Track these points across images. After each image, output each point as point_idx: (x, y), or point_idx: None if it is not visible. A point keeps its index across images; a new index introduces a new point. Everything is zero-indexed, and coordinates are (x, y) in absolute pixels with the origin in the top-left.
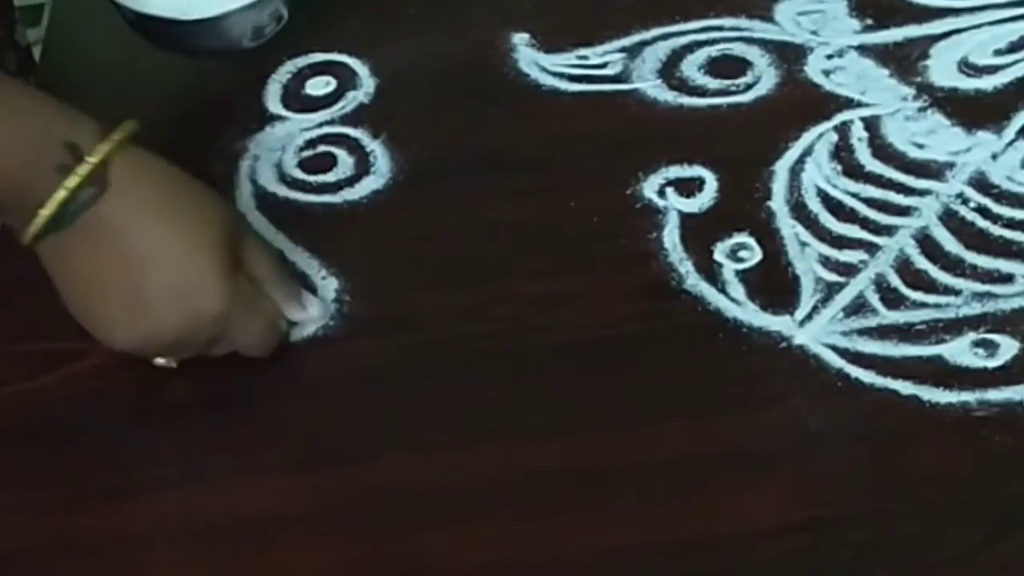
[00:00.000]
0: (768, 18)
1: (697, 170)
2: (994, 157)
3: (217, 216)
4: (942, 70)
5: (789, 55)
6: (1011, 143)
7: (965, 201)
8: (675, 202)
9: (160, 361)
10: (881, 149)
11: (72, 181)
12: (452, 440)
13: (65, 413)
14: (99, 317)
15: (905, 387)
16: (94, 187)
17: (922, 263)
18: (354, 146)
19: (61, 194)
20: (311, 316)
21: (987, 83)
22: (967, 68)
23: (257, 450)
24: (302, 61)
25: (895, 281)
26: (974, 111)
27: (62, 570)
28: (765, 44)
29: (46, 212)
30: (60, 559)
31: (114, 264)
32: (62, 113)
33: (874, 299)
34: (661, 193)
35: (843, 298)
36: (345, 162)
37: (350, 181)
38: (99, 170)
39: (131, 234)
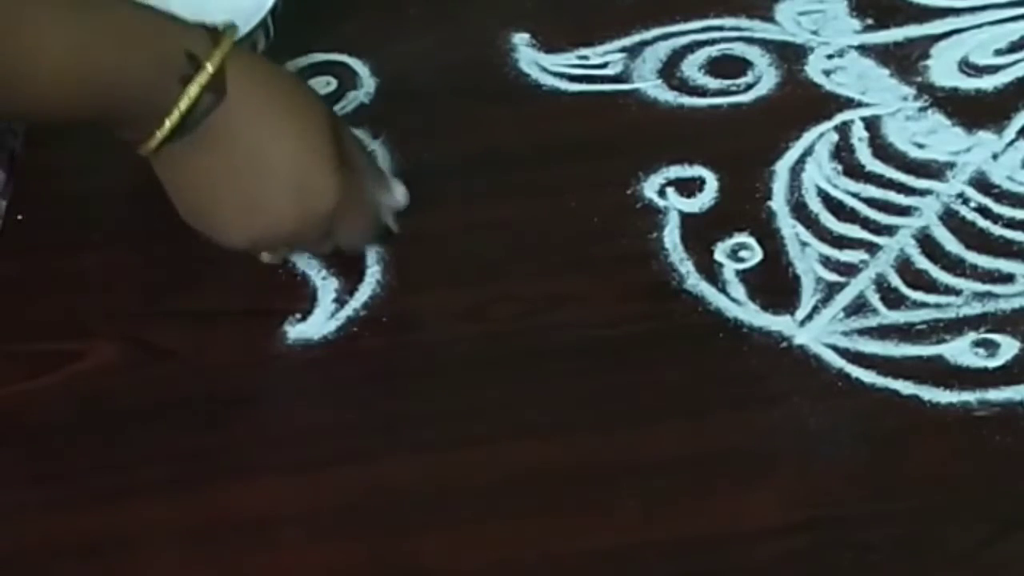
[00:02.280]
0: (768, 18)
1: (697, 170)
2: (994, 157)
3: (324, 114)
4: (943, 70)
5: (789, 55)
6: (1011, 143)
7: (966, 201)
8: (675, 202)
9: (266, 257)
10: (882, 149)
11: (194, 90)
12: (452, 440)
13: (65, 413)
14: (217, 218)
15: (906, 387)
16: (213, 93)
17: (923, 263)
18: None
19: (185, 102)
20: (398, 201)
21: (987, 83)
22: (968, 68)
23: (257, 450)
24: (303, 61)
25: (896, 281)
26: (974, 111)
27: (62, 570)
28: (765, 44)
29: (171, 121)
30: (60, 559)
31: (233, 166)
32: (175, 23)
33: (875, 299)
34: (661, 193)
35: (844, 298)
36: None
37: None
38: (217, 76)
39: (249, 137)
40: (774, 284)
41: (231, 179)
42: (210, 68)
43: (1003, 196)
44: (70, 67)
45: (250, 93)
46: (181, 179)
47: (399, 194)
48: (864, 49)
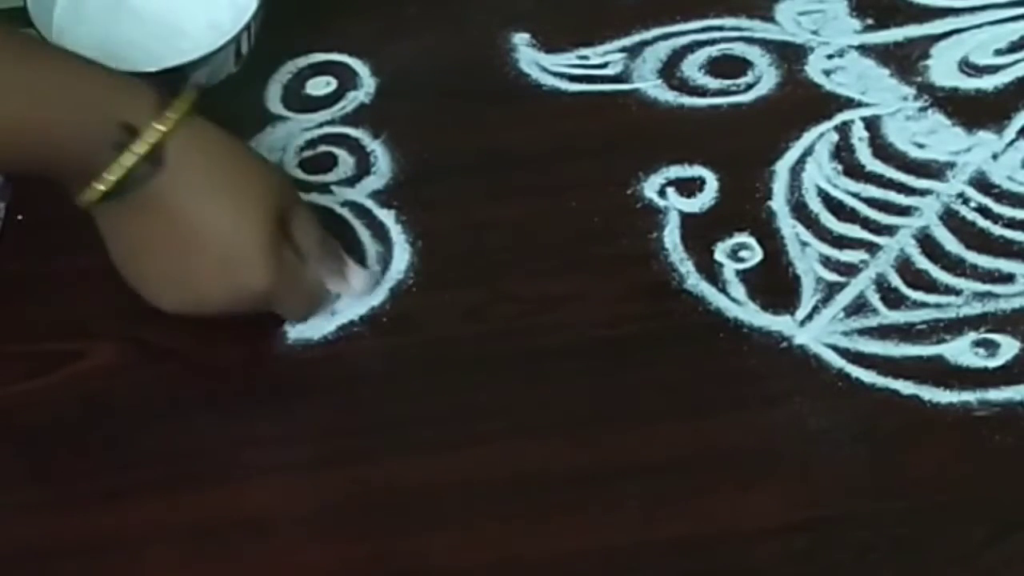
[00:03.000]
0: (769, 18)
1: (698, 170)
2: (995, 157)
3: (269, 189)
4: (943, 70)
5: (790, 55)
6: (1012, 143)
7: (966, 201)
8: (676, 202)
9: None
10: (882, 149)
11: (128, 159)
12: (452, 440)
13: (65, 413)
14: (148, 283)
15: (906, 387)
16: (150, 164)
17: (923, 263)
18: (355, 146)
19: (117, 172)
20: (354, 289)
21: (988, 83)
22: (968, 68)
23: (258, 450)
24: (302, 61)
25: (896, 281)
26: (975, 111)
27: (62, 570)
28: (766, 44)
29: (101, 187)
30: (60, 559)
31: (165, 237)
32: (119, 86)
33: (875, 299)
34: (662, 193)
35: (844, 298)
36: (346, 162)
37: (351, 181)
38: (155, 149)
39: (183, 209)
40: (774, 284)
41: (163, 247)
42: (148, 141)
43: (1003, 196)
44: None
45: (190, 166)
46: (114, 238)
47: (356, 284)
48: (864, 49)
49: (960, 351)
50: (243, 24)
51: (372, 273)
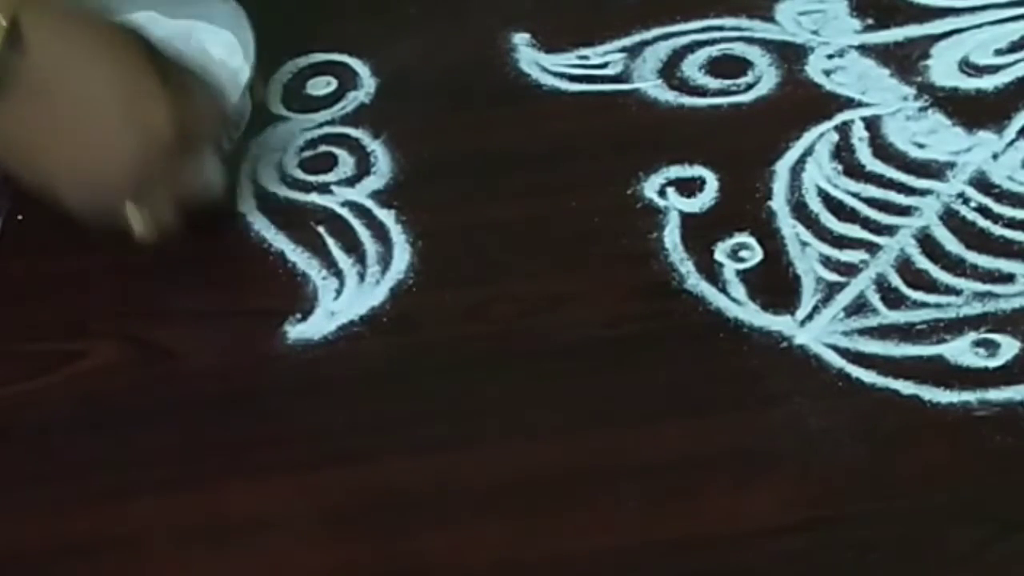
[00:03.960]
0: (769, 18)
1: (698, 170)
2: (995, 157)
3: (133, 38)
4: (943, 70)
5: (790, 55)
6: (1012, 143)
7: (966, 201)
8: (676, 202)
9: (136, 224)
10: (882, 149)
11: None
12: (452, 440)
13: (65, 413)
14: (61, 175)
15: (906, 387)
16: (10, 48)
17: (923, 263)
18: (355, 146)
19: None
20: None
21: (988, 83)
22: (968, 68)
23: (257, 450)
24: (303, 61)
25: (896, 281)
26: (975, 111)
27: (62, 570)
28: (766, 44)
29: None
30: (60, 559)
31: (57, 115)
32: None
33: (875, 299)
34: (662, 193)
35: (844, 298)
36: (346, 162)
37: (351, 181)
38: (11, 29)
39: (63, 77)
40: (774, 284)
41: (60, 128)
42: (2, 23)
43: (1003, 196)
44: None
45: (51, 35)
46: (10, 146)
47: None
48: (864, 49)
49: (960, 351)
50: (242, 87)
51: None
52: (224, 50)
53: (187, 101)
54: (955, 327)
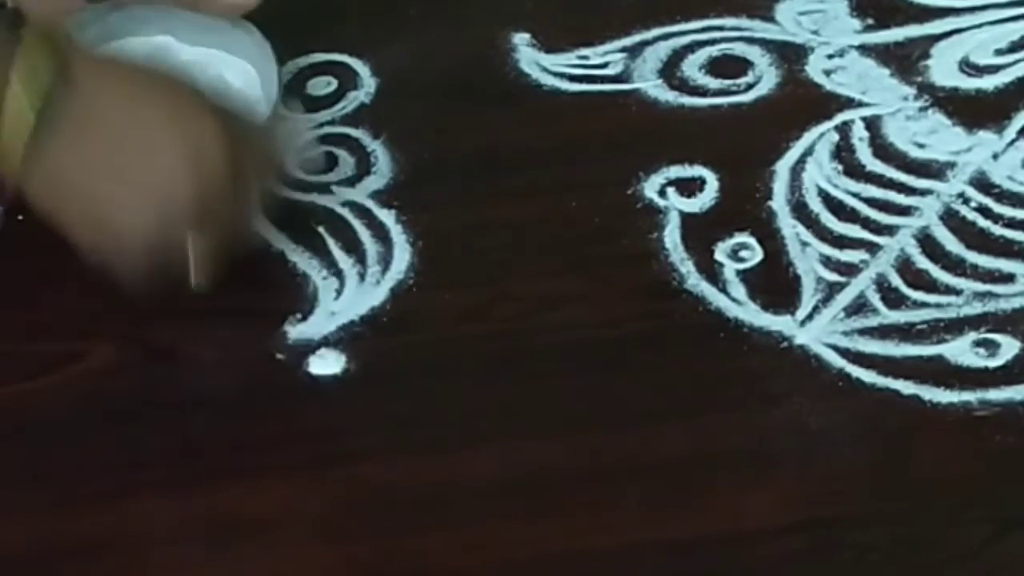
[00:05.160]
0: (769, 18)
1: (698, 170)
2: (995, 157)
3: (176, 80)
4: (943, 70)
5: (790, 55)
6: (1012, 143)
7: (966, 201)
8: (676, 202)
9: (194, 279)
10: (882, 149)
11: (42, 77)
12: (452, 440)
13: (65, 413)
14: (113, 210)
15: (906, 387)
16: (62, 81)
17: (923, 263)
18: (355, 146)
19: (31, 87)
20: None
21: (988, 83)
22: (968, 68)
23: (257, 450)
24: (303, 61)
25: (896, 281)
26: (975, 111)
27: (62, 571)
28: (766, 44)
29: (24, 123)
30: (59, 560)
31: (108, 145)
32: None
33: (875, 299)
34: (662, 193)
35: (844, 298)
36: (346, 162)
37: (351, 181)
38: (63, 63)
39: (111, 105)
40: (774, 284)
41: (110, 159)
42: (55, 55)
43: (1003, 196)
44: None
45: (102, 73)
46: (61, 186)
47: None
48: (864, 49)
49: (960, 351)
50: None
51: None
52: (242, 80)
53: (241, 144)
54: (955, 327)
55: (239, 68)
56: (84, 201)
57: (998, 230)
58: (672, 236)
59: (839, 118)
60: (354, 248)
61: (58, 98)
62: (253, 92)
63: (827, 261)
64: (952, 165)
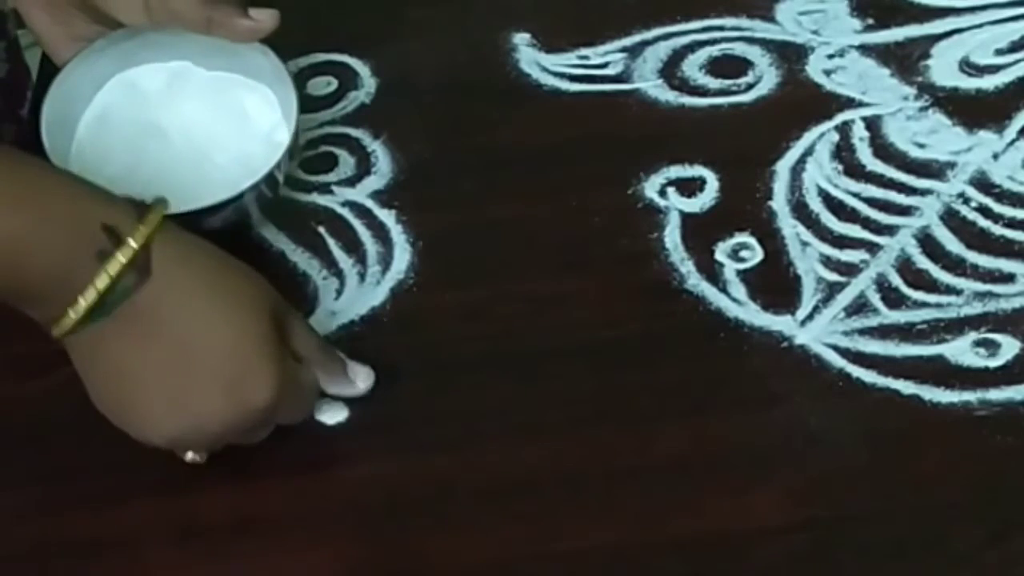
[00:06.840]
0: (769, 18)
1: (698, 170)
2: (995, 157)
3: (262, 299)
4: (943, 70)
5: (790, 55)
6: (1012, 143)
7: (966, 201)
8: (676, 202)
9: (190, 456)
10: (882, 149)
11: (114, 267)
12: (452, 440)
13: (65, 413)
14: (135, 412)
15: (906, 387)
16: (136, 273)
17: (923, 263)
18: (355, 146)
19: (103, 280)
20: (359, 390)
21: (988, 83)
22: (968, 68)
23: (257, 451)
24: (303, 61)
25: (896, 281)
26: (975, 110)
27: (61, 571)
28: (766, 44)
29: (86, 301)
30: (59, 560)
31: (157, 356)
32: (96, 195)
33: (875, 299)
34: (662, 193)
35: (844, 298)
36: (346, 162)
37: (351, 181)
38: (141, 255)
39: (175, 323)
40: (775, 284)
41: (154, 371)
42: (133, 244)
43: (1004, 196)
44: None
45: (178, 275)
46: (96, 367)
47: (362, 382)
48: (865, 49)
49: (961, 351)
50: (276, 160)
51: (371, 371)
52: (260, 104)
53: (293, 376)
54: (955, 327)
55: (258, 91)
56: (108, 395)
57: (998, 230)
58: (672, 236)
59: (839, 118)
60: (354, 248)
61: (124, 280)
62: (273, 115)
63: (827, 261)
64: (952, 165)
